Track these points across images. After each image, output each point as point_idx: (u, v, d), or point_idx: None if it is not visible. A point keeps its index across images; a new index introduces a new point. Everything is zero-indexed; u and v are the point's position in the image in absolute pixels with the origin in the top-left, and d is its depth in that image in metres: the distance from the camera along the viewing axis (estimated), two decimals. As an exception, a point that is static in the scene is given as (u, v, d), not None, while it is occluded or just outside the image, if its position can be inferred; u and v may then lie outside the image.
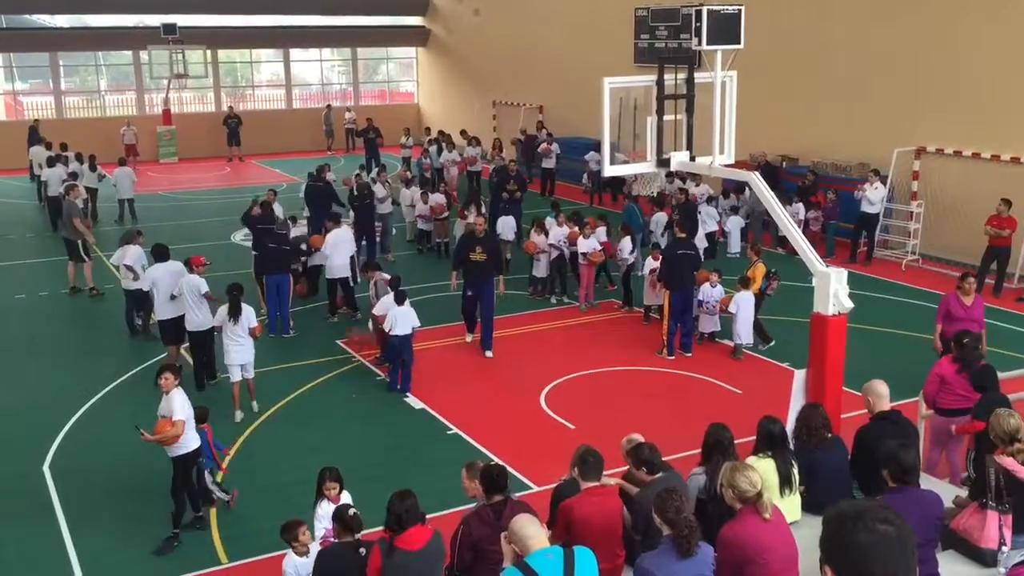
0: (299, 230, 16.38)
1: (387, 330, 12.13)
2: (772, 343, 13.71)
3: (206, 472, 9.32)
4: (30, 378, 13.06)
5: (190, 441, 8.76)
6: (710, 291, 13.80)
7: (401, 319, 12.06)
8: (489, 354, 13.58)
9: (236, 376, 11.49)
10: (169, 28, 31.68)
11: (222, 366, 12.10)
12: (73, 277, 17.00)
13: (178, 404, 8.54)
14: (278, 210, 16.96)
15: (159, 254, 12.88)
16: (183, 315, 12.34)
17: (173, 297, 12.36)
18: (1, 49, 33.78)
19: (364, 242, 17.62)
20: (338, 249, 15.05)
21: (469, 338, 14.10)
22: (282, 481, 9.79)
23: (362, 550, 6.19)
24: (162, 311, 12.64)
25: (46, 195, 22.25)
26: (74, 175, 20.60)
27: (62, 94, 34.16)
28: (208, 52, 34.20)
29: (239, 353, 11.38)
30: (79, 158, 23.29)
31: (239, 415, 11.48)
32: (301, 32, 36.73)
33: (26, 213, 24.40)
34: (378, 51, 39.54)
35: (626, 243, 15.67)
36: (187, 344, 12.81)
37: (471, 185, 24.97)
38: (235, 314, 11.31)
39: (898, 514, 2.67)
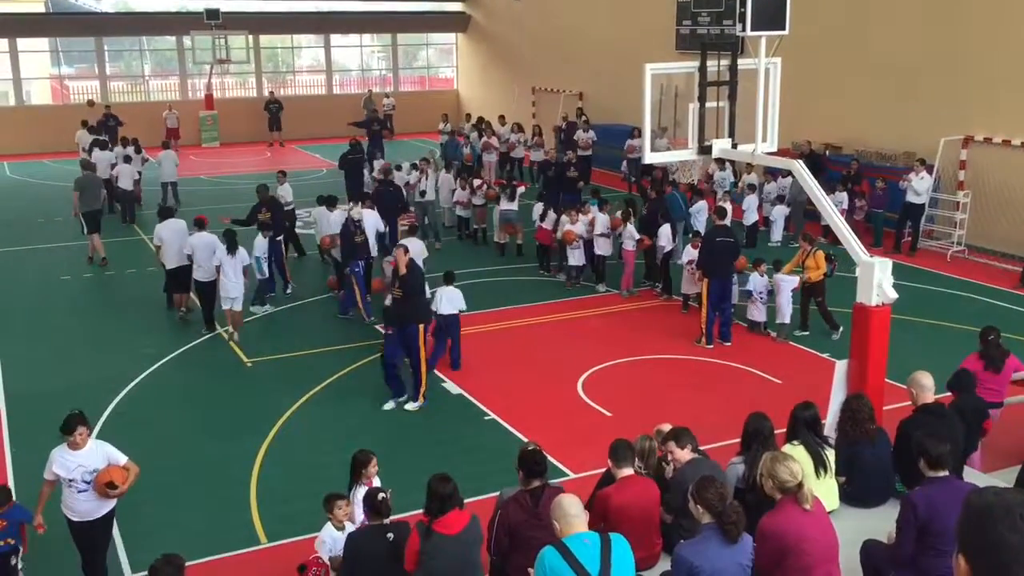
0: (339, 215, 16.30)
1: (434, 309, 12.32)
2: (840, 330, 13.50)
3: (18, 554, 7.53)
4: (74, 359, 13.28)
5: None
6: (759, 280, 13.64)
7: (448, 299, 12.35)
8: (413, 405, 11.35)
9: (227, 305, 13.65)
10: (212, 13, 31.98)
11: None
12: (100, 248, 17.84)
13: (113, 448, 7.47)
14: (286, 191, 17.44)
15: (164, 214, 14.92)
16: (188, 266, 14.08)
17: (189, 258, 13.95)
18: (47, 34, 34.31)
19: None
20: (366, 231, 15.04)
21: (389, 405, 11.41)
22: (321, 462, 9.88)
23: (390, 535, 6.22)
24: (170, 261, 14.45)
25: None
26: (127, 159, 21.61)
27: (107, 79, 34.61)
28: (250, 38, 34.49)
29: (232, 288, 13.48)
30: (124, 142, 23.61)
31: (232, 332, 13.74)
32: (342, 18, 36.88)
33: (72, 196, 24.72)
34: (418, 37, 39.61)
35: (664, 230, 15.57)
36: (193, 291, 14.49)
37: (508, 171, 24.97)
38: (232, 250, 13.42)
39: None
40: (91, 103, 29.54)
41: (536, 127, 27.09)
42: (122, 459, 7.42)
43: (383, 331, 11.58)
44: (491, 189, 19.57)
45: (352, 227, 14.84)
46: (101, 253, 17.87)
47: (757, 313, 13.89)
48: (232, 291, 13.49)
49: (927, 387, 7.69)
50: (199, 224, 14.22)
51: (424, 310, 11.59)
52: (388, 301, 11.58)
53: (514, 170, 25.41)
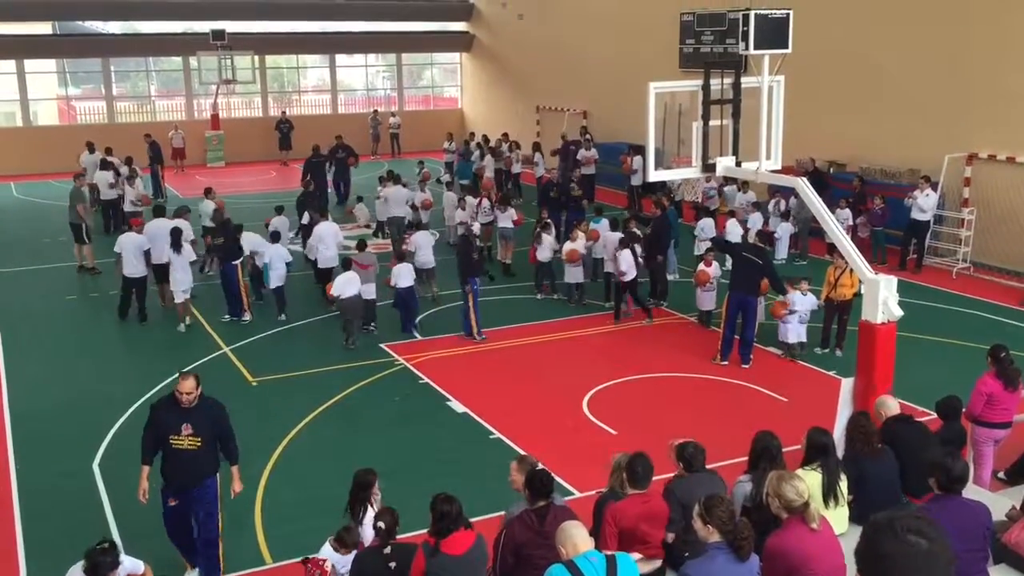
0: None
1: (336, 295, 13.95)
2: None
3: None
4: (81, 377, 13.30)
5: None
6: (802, 299, 13.34)
7: (347, 280, 13.96)
8: None
9: (179, 298, 14.94)
10: (218, 34, 32.16)
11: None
12: (79, 256, 19.01)
13: (130, 559, 6.65)
14: (206, 207, 18.51)
15: (155, 212, 16.68)
16: (167, 263, 15.21)
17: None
18: (55, 55, 34.55)
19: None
20: (324, 241, 15.97)
21: None
22: (325, 482, 9.85)
23: (392, 564, 6.16)
24: (155, 258, 15.74)
25: (97, 198, 22.74)
26: (132, 178, 22.27)
27: (113, 99, 34.81)
28: (256, 58, 34.70)
29: (180, 283, 14.87)
30: (128, 161, 23.77)
31: (182, 327, 15.00)
32: (347, 38, 37.08)
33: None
34: (422, 56, 39.81)
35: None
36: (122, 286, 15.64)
37: (505, 187, 25.05)
38: (176, 249, 14.80)
39: (935, 526, 2.56)
40: (151, 139, 28.77)
41: (535, 144, 27.11)
42: (140, 566, 6.58)
43: (167, 501, 7.94)
44: (484, 193, 19.77)
45: (473, 241, 15.08)
46: (82, 262, 18.86)
47: (793, 334, 13.36)
48: (181, 285, 14.88)
49: (894, 407, 7.90)
50: (128, 226, 16.41)
51: (232, 452, 8.07)
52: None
53: (512, 186, 25.47)
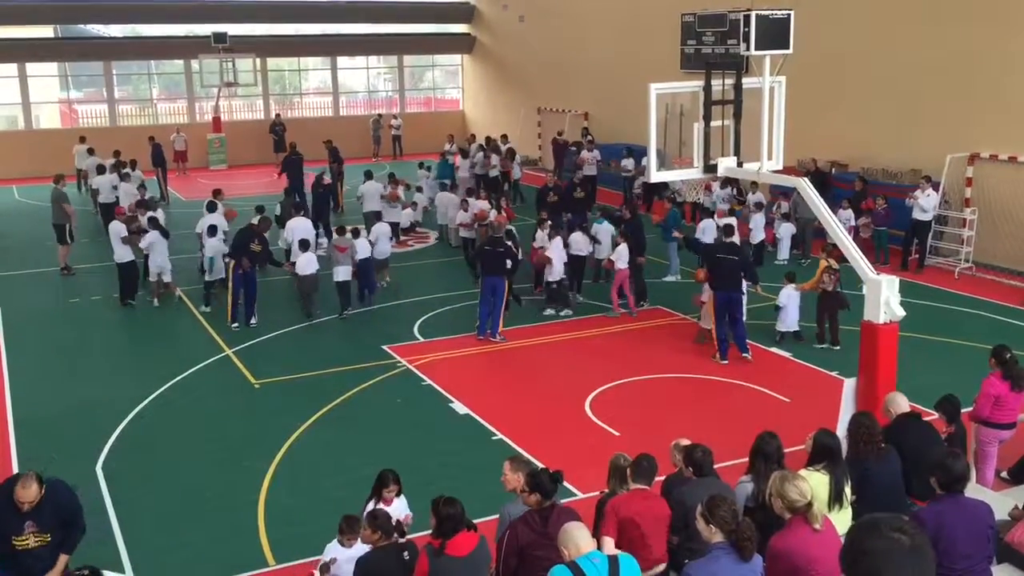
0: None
1: (299, 273, 15.44)
2: (837, 347, 13.61)
3: None
4: (85, 380, 13.31)
5: None
6: (787, 294, 13.98)
7: (307, 261, 15.46)
8: None
9: (168, 279, 16.80)
10: (220, 37, 32.21)
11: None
12: (63, 258, 19.20)
13: None
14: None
15: (147, 206, 18.44)
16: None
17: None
18: (57, 58, 34.62)
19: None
20: (297, 235, 16.68)
21: None
22: (328, 484, 9.87)
23: (406, 554, 6.19)
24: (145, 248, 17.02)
25: (97, 202, 22.78)
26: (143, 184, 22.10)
27: (115, 102, 34.87)
28: (257, 60, 34.74)
29: (160, 264, 16.58)
30: (133, 164, 23.79)
31: (155, 301, 16.70)
32: (348, 40, 37.13)
33: (81, 220, 24.82)
34: (424, 58, 39.86)
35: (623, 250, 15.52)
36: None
37: (480, 190, 25.06)
38: (165, 236, 16.66)
39: (916, 526, 2.67)
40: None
41: (509, 149, 27.00)
42: None
43: None
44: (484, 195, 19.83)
45: (510, 244, 15.15)
46: (60, 263, 19.21)
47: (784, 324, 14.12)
48: (162, 267, 16.61)
49: (903, 404, 7.88)
50: (112, 215, 18.02)
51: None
52: None
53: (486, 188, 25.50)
